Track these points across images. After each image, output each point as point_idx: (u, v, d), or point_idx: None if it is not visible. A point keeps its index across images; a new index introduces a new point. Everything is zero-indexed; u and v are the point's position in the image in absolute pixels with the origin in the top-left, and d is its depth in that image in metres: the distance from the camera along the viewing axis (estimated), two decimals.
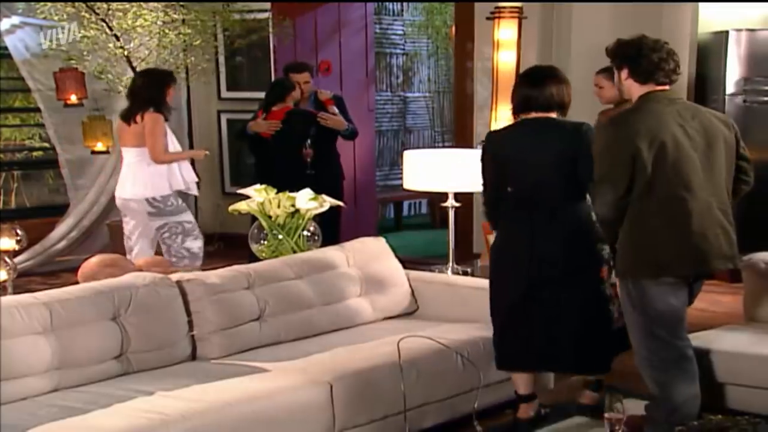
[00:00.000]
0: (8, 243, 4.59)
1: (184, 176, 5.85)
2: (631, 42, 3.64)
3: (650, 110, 3.55)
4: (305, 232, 4.64)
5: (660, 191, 3.49)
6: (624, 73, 3.64)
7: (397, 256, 4.76)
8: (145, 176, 5.70)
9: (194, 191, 6.05)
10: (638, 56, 3.58)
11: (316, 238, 4.73)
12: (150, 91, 5.69)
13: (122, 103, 7.46)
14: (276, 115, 6.46)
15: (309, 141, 6.49)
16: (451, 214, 5.07)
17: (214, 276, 4.06)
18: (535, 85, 3.94)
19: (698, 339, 4.04)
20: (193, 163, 6.31)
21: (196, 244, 5.79)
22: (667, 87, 3.64)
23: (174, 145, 5.85)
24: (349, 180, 7.38)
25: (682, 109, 3.61)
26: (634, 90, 3.63)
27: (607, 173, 3.53)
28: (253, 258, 4.85)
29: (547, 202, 3.87)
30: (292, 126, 6.34)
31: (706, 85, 7.04)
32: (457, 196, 5.07)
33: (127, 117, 5.74)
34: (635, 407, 3.90)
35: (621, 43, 3.68)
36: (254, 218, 4.83)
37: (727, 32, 6.87)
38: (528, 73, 4.11)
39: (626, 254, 3.57)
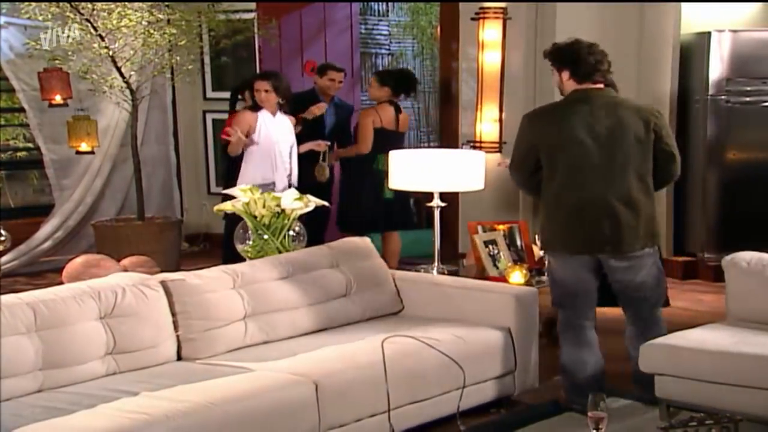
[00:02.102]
0: None
1: (275, 170, 5.91)
2: (569, 47, 4.05)
3: (564, 107, 4.04)
4: (290, 232, 4.65)
5: (556, 179, 4.00)
6: (565, 75, 4.04)
7: (382, 256, 4.78)
8: (242, 168, 5.92)
9: (283, 186, 5.90)
10: (578, 60, 3.98)
11: (302, 238, 4.74)
12: None
13: (107, 104, 7.49)
14: (232, 118, 6.48)
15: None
16: (437, 213, 5.08)
17: (200, 276, 4.06)
18: None
19: (680, 338, 4.07)
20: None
21: None
22: (601, 85, 4.03)
23: (258, 137, 5.88)
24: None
25: (599, 106, 3.98)
26: (570, 89, 4.05)
27: (513, 160, 4.15)
28: (228, 260, 4.85)
29: None
30: None
31: (688, 85, 7.08)
32: (443, 195, 5.09)
33: None
34: (630, 409, 3.93)
35: (560, 48, 4.08)
36: (231, 219, 4.82)
37: (709, 33, 6.90)
38: None
39: (538, 231, 4.23)
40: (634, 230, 3.97)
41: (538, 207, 5.03)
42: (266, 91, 5.87)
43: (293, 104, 6.32)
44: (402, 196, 6.34)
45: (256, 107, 5.95)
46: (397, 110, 6.51)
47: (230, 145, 5.89)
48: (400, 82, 6.56)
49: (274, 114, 5.92)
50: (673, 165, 4.08)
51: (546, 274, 4.31)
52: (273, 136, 5.89)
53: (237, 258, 4.65)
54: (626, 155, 3.95)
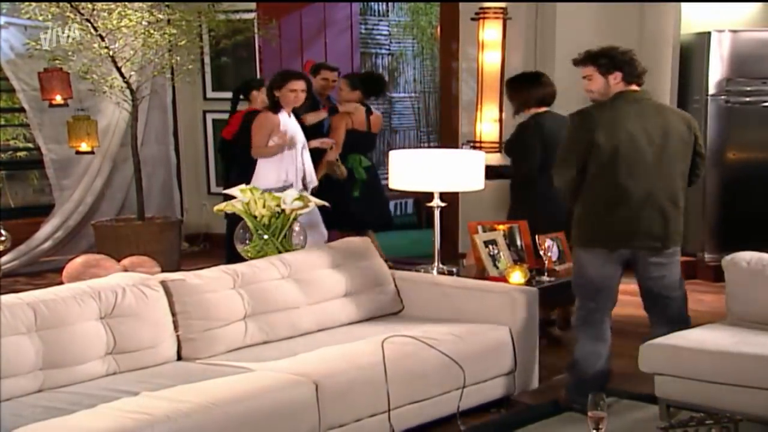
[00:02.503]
0: None
1: (291, 171, 5.82)
2: (615, 50, 4.23)
3: (615, 107, 4.15)
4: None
5: (608, 176, 4.10)
6: (617, 77, 4.18)
7: (382, 256, 4.77)
8: (257, 170, 5.81)
9: (298, 186, 5.81)
10: (632, 62, 4.20)
11: (301, 238, 4.74)
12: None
13: (107, 104, 7.50)
14: (236, 118, 6.46)
15: None
16: (437, 213, 5.08)
17: (200, 276, 4.06)
18: None
19: (680, 338, 4.07)
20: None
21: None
22: (640, 87, 4.23)
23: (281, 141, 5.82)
24: None
25: (647, 107, 4.19)
26: (618, 90, 4.19)
27: (567, 156, 4.19)
28: (231, 260, 4.85)
29: None
30: (247, 128, 6.30)
31: (688, 85, 7.09)
32: (443, 196, 5.08)
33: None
34: (621, 406, 3.94)
35: (610, 51, 4.24)
36: (232, 219, 4.82)
37: (709, 33, 6.91)
38: None
39: (573, 226, 4.26)
40: (677, 227, 4.21)
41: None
42: (303, 90, 5.80)
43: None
44: (376, 196, 6.40)
45: (276, 108, 5.80)
46: (369, 112, 6.68)
47: (270, 148, 5.72)
48: (369, 85, 6.77)
49: (289, 114, 5.88)
50: (702, 166, 4.34)
51: (573, 268, 4.39)
52: (295, 137, 5.83)
53: (240, 258, 4.64)
54: (673, 154, 4.15)
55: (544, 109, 5.36)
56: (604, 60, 4.20)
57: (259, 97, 6.51)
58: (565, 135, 4.25)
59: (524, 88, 5.47)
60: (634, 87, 4.19)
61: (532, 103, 5.40)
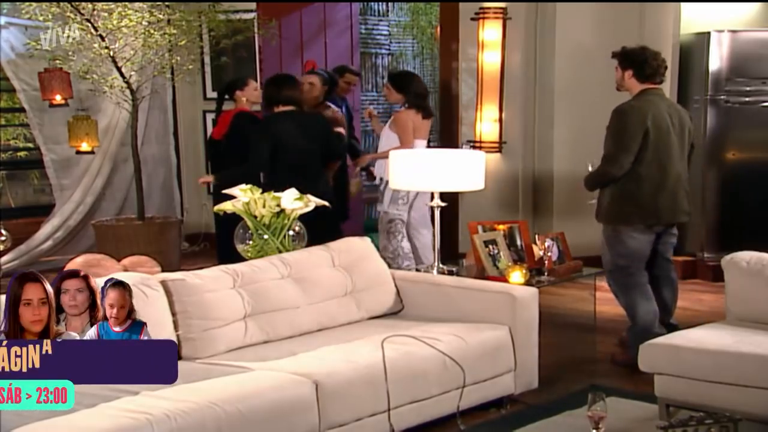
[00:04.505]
0: None
1: None
2: (638, 50, 4.93)
3: (651, 101, 4.87)
4: (290, 232, 4.65)
5: (652, 160, 4.81)
6: (629, 74, 4.89)
7: (382, 256, 4.78)
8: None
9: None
10: (644, 62, 4.86)
11: (302, 238, 4.74)
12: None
13: (107, 104, 7.50)
14: (224, 119, 6.39)
15: None
16: (437, 213, 5.09)
17: (200, 276, 4.06)
18: None
19: (680, 337, 4.08)
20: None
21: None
22: (660, 86, 4.94)
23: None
24: None
25: (668, 103, 5.01)
26: (635, 87, 4.90)
27: (626, 145, 4.79)
28: (224, 260, 4.84)
29: None
30: (236, 129, 6.26)
31: (688, 85, 7.09)
32: (443, 195, 5.09)
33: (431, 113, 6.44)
34: (621, 406, 3.94)
35: (629, 50, 4.94)
36: (229, 219, 4.81)
37: (708, 33, 6.91)
38: None
39: (615, 205, 4.87)
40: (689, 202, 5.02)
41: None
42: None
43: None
44: (338, 190, 6.40)
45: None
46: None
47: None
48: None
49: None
50: (692, 154, 5.10)
51: (605, 247, 4.98)
52: None
53: (235, 256, 4.63)
54: (685, 142, 4.95)
55: (289, 107, 5.64)
56: (623, 57, 4.92)
57: (244, 97, 6.41)
58: (614, 129, 4.82)
59: (274, 87, 5.75)
60: (652, 85, 4.87)
61: (278, 102, 5.70)
